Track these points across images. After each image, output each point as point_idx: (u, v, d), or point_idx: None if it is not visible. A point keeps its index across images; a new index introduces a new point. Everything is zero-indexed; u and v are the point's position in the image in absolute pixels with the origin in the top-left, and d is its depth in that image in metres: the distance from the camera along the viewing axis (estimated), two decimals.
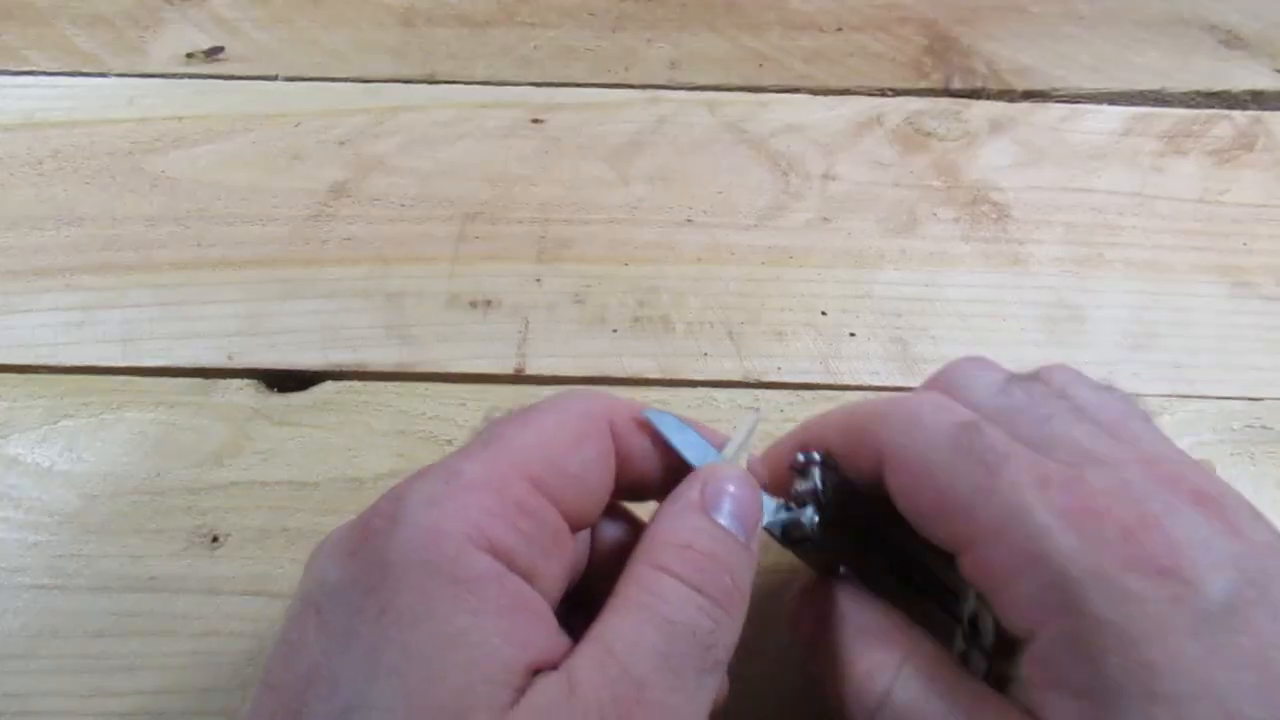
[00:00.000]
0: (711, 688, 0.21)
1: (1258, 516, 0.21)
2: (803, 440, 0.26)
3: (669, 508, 0.23)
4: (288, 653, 0.20)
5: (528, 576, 0.21)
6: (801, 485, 0.24)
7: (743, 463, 0.25)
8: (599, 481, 0.23)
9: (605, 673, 0.19)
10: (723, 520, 0.22)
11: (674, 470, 0.24)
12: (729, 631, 0.21)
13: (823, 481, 0.24)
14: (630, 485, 0.24)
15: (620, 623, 0.20)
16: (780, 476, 0.25)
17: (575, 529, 0.23)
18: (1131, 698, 0.19)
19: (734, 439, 0.25)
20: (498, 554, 0.20)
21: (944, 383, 0.26)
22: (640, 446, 0.24)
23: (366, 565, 0.20)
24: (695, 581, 0.21)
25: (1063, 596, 0.20)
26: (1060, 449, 0.22)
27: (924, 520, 0.23)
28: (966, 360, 0.26)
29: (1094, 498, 0.21)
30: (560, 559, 0.22)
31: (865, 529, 0.25)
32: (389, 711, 0.18)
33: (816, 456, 0.24)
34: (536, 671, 0.20)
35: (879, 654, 0.23)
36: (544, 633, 0.20)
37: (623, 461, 0.24)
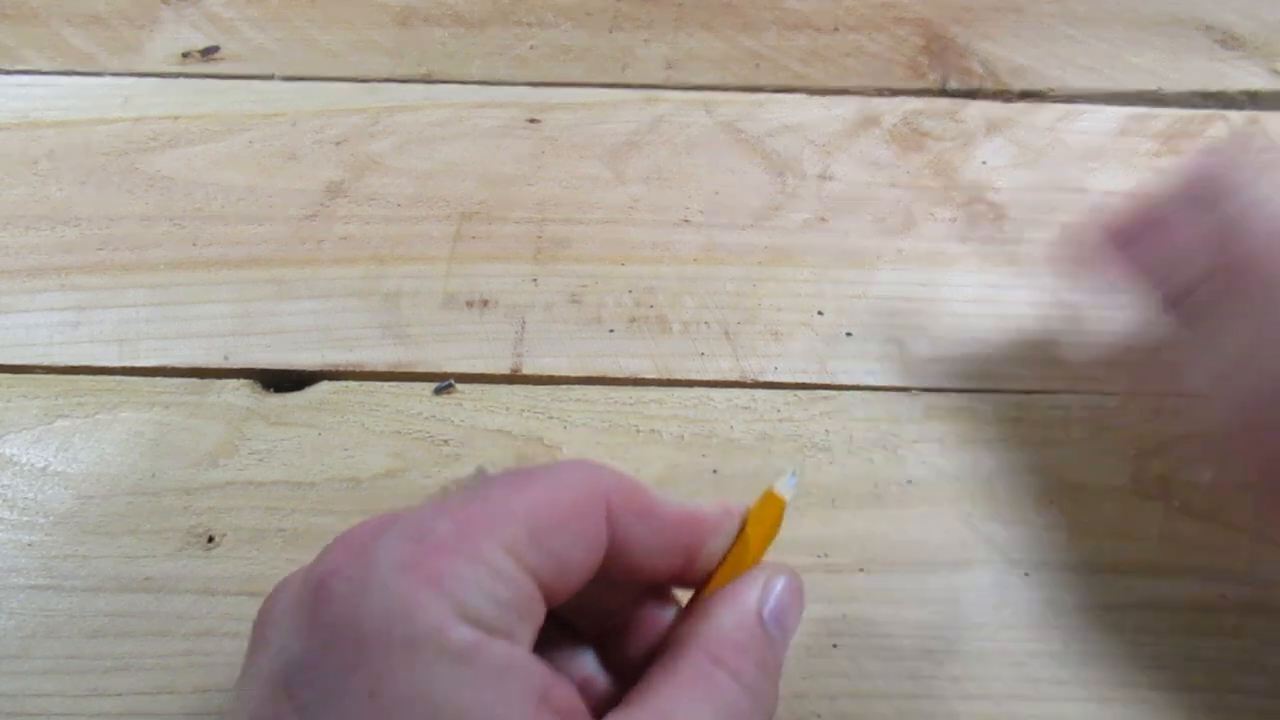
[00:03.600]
0: None
1: None
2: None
3: (733, 601, 0.23)
4: None
5: (508, 638, 0.20)
6: None
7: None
8: (582, 564, 0.22)
9: None
10: (771, 626, 0.23)
11: (668, 566, 0.24)
12: None
13: None
14: (623, 571, 0.23)
15: (679, 696, 0.21)
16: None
17: (549, 603, 0.21)
18: None
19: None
20: (474, 622, 0.19)
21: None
22: (637, 534, 0.23)
23: (336, 638, 0.19)
24: (748, 682, 0.22)
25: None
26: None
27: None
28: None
29: None
30: (535, 623, 0.21)
31: None
32: None
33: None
34: (562, 714, 0.19)
35: None
36: (544, 683, 0.20)
37: (616, 545, 0.22)
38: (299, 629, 0.19)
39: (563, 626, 0.24)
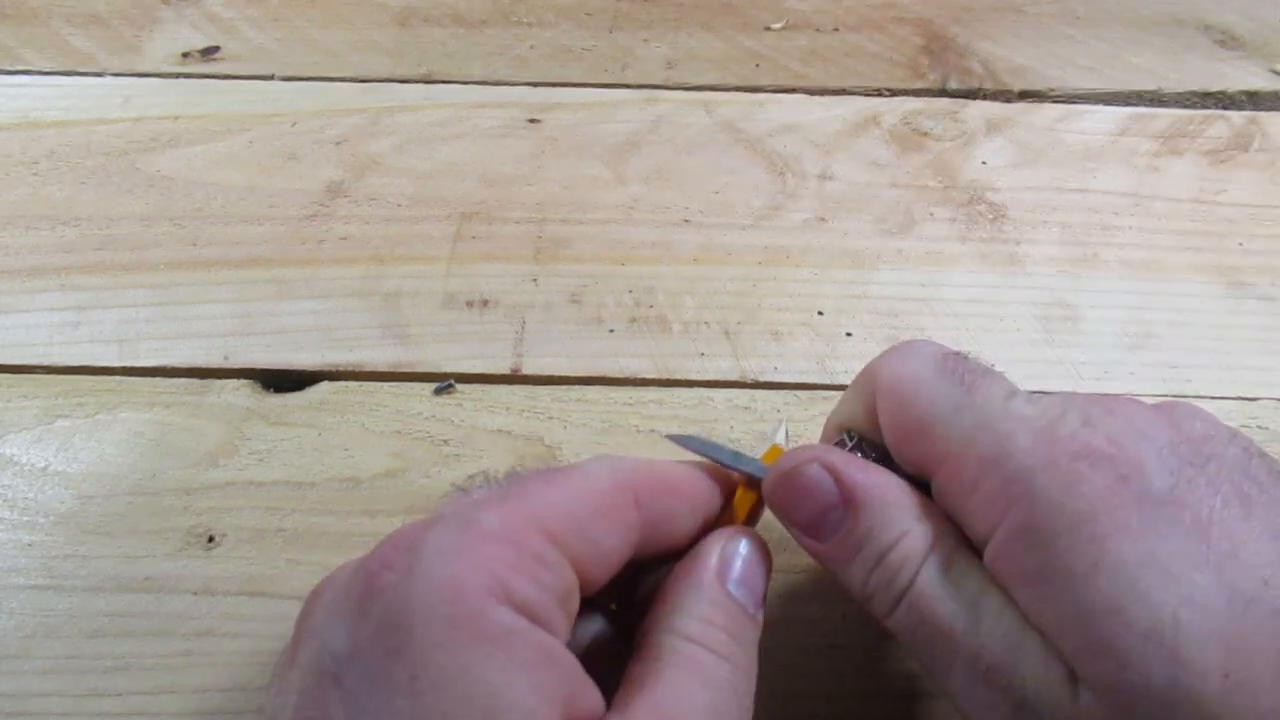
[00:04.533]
0: None
1: (1194, 414, 0.23)
2: (839, 416, 0.28)
3: (690, 576, 0.24)
4: None
5: (548, 628, 0.20)
6: None
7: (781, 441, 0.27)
8: (616, 551, 0.23)
9: None
10: (734, 590, 0.23)
11: (690, 533, 0.25)
12: (752, 697, 0.23)
13: (862, 454, 0.26)
14: (652, 547, 0.24)
15: (665, 683, 0.21)
16: None
17: (584, 591, 0.22)
18: (1078, 575, 0.20)
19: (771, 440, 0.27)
20: (518, 607, 0.20)
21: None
22: (664, 513, 0.24)
23: (383, 625, 0.19)
24: (724, 652, 0.22)
25: (1020, 488, 0.22)
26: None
27: (906, 441, 0.24)
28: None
29: (1053, 407, 0.23)
30: (571, 614, 0.22)
31: None
32: None
33: (850, 436, 0.27)
34: (576, 715, 0.20)
35: (910, 540, 0.23)
36: (575, 684, 0.20)
37: (647, 528, 0.24)
38: (347, 621, 0.20)
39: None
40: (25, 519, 0.32)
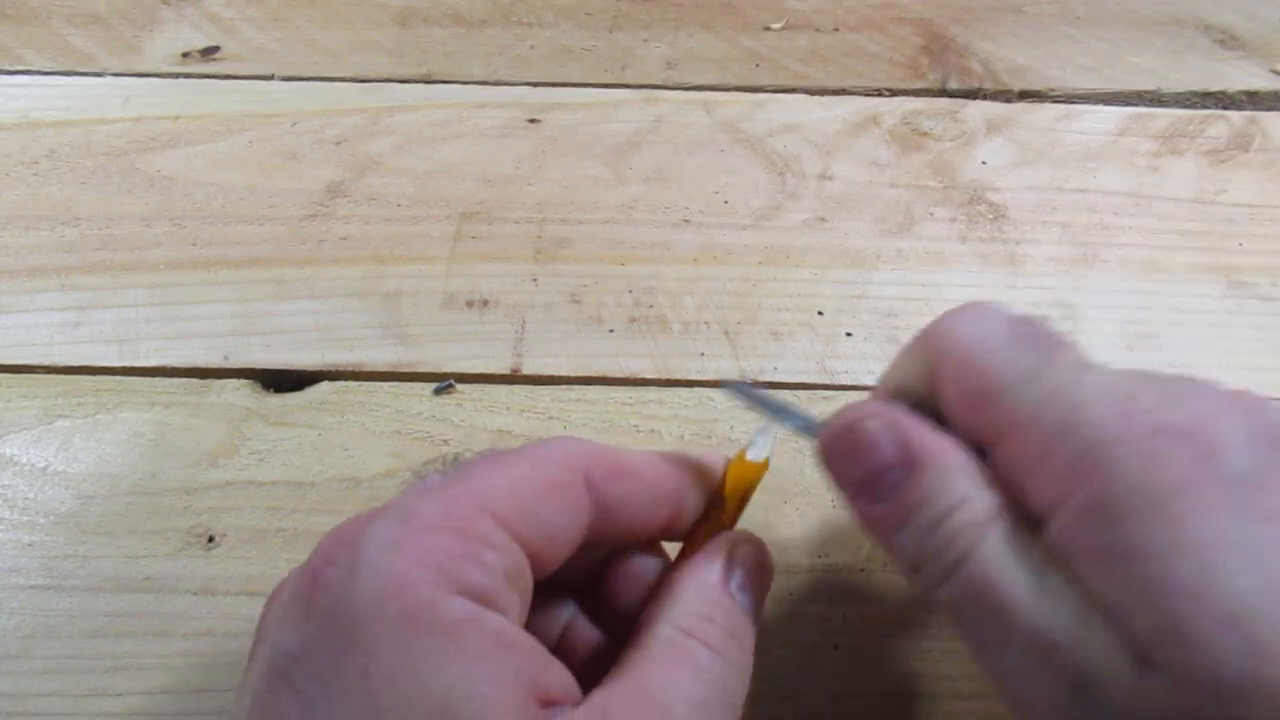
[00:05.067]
0: None
1: (1267, 401, 0.22)
2: (890, 380, 0.26)
3: (695, 574, 0.23)
4: None
5: (500, 610, 0.20)
6: None
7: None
8: (565, 530, 0.22)
9: (645, 715, 0.20)
10: (736, 593, 0.23)
11: (653, 521, 0.24)
12: (742, 701, 0.22)
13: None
14: (610, 533, 0.24)
15: (656, 671, 0.21)
16: None
17: (538, 574, 0.22)
18: (1154, 554, 0.19)
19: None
20: (468, 594, 0.20)
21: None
22: (619, 495, 0.23)
23: (329, 623, 0.19)
24: (720, 648, 0.22)
25: (1094, 461, 0.20)
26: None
27: (970, 409, 0.23)
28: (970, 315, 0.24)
29: (1130, 381, 0.21)
30: (524, 595, 0.21)
31: None
32: None
33: (904, 402, 0.25)
34: (542, 702, 0.19)
35: (971, 506, 0.22)
36: (538, 665, 0.20)
37: (600, 510, 0.23)
38: (295, 620, 0.20)
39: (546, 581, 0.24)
40: (25, 519, 0.32)
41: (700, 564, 0.24)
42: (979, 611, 0.21)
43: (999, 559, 0.21)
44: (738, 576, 0.24)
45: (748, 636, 0.23)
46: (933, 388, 0.24)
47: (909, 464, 0.23)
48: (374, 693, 0.18)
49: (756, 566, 0.24)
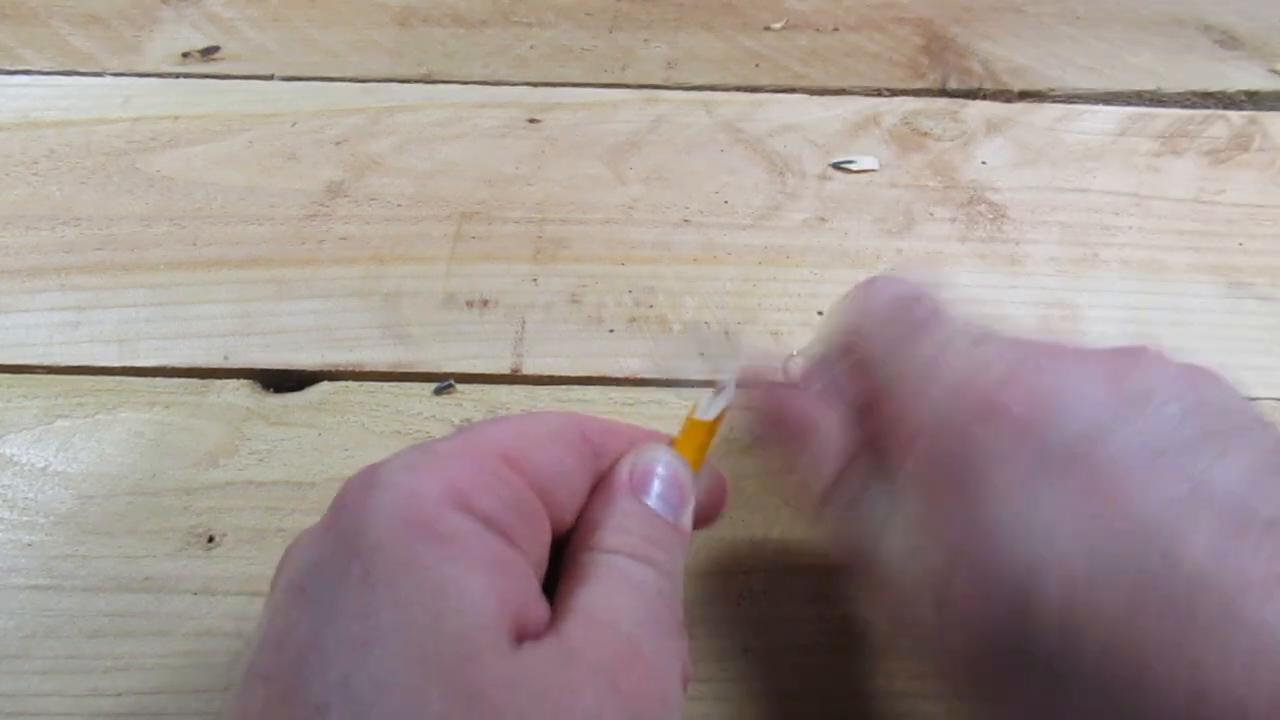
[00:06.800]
0: (683, 648, 0.22)
1: (1150, 368, 0.22)
2: (810, 350, 0.30)
3: (601, 494, 0.24)
4: (276, 638, 0.19)
5: (508, 538, 0.21)
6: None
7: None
8: (575, 477, 0.24)
9: (598, 635, 0.20)
10: (651, 502, 0.24)
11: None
12: (680, 601, 0.23)
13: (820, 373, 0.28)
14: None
15: (593, 593, 0.21)
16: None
17: (553, 524, 0.23)
18: (956, 526, 0.22)
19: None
20: (475, 514, 0.20)
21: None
22: (612, 449, 0.25)
23: (343, 535, 0.20)
24: (643, 556, 0.22)
25: (920, 443, 0.23)
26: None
27: (853, 375, 0.27)
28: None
29: (987, 356, 0.23)
30: (539, 535, 0.22)
31: None
32: (389, 672, 0.18)
33: (812, 359, 0.29)
34: (518, 634, 0.20)
35: (834, 457, 0.26)
36: (525, 591, 0.20)
37: (599, 462, 0.24)
38: (315, 539, 0.20)
39: None
40: (25, 519, 0.32)
41: (610, 482, 0.24)
42: (839, 538, 0.26)
43: (851, 499, 0.25)
44: (651, 484, 0.24)
45: (671, 538, 0.24)
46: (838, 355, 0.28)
47: (781, 423, 0.28)
48: (373, 592, 0.19)
49: (667, 469, 0.25)
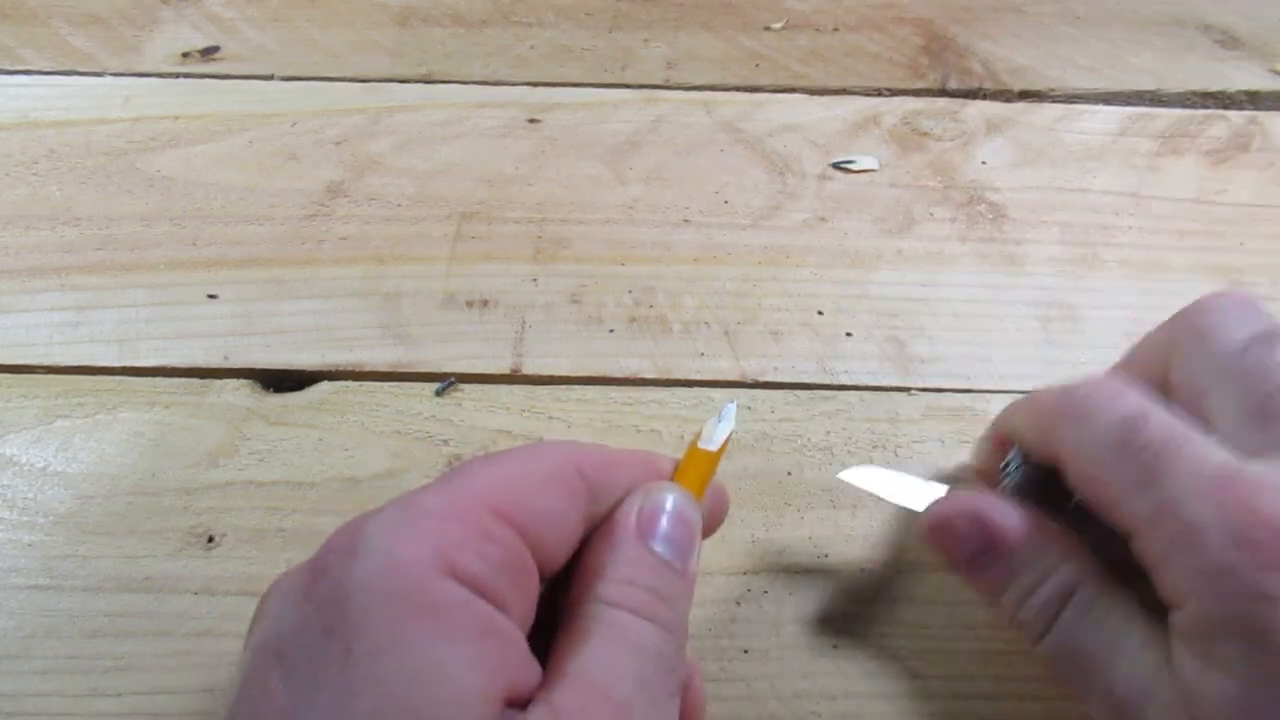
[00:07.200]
0: (676, 710, 0.22)
1: None
2: (1000, 435, 0.29)
3: (605, 538, 0.23)
4: (251, 707, 0.19)
5: (497, 603, 0.20)
6: (1005, 482, 0.28)
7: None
8: (566, 519, 0.22)
9: (589, 701, 0.20)
10: (659, 547, 0.23)
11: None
12: (683, 656, 0.22)
13: (1023, 478, 0.27)
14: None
15: (590, 654, 0.21)
16: (988, 474, 0.30)
17: (543, 571, 0.22)
18: (1248, 680, 0.21)
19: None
20: (463, 580, 0.19)
21: (1190, 326, 0.26)
22: (611, 486, 0.24)
23: (324, 602, 0.19)
24: (648, 614, 0.22)
25: (1206, 584, 0.21)
26: (1273, 425, 0.23)
27: (1094, 505, 0.25)
28: (1223, 301, 0.26)
29: (1249, 493, 0.22)
30: (528, 593, 0.21)
31: (1072, 511, 0.27)
32: None
33: (1016, 458, 0.28)
34: (509, 703, 0.19)
35: (1055, 580, 0.25)
36: (515, 660, 0.20)
37: (596, 503, 0.23)
38: (293, 601, 0.20)
39: None
40: (25, 519, 0.32)
41: (613, 523, 0.23)
42: (1065, 667, 0.25)
43: (1078, 625, 0.24)
44: (658, 527, 0.23)
45: (676, 589, 0.23)
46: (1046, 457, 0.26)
47: (990, 550, 0.26)
48: (353, 668, 0.18)
49: (676, 511, 0.23)
